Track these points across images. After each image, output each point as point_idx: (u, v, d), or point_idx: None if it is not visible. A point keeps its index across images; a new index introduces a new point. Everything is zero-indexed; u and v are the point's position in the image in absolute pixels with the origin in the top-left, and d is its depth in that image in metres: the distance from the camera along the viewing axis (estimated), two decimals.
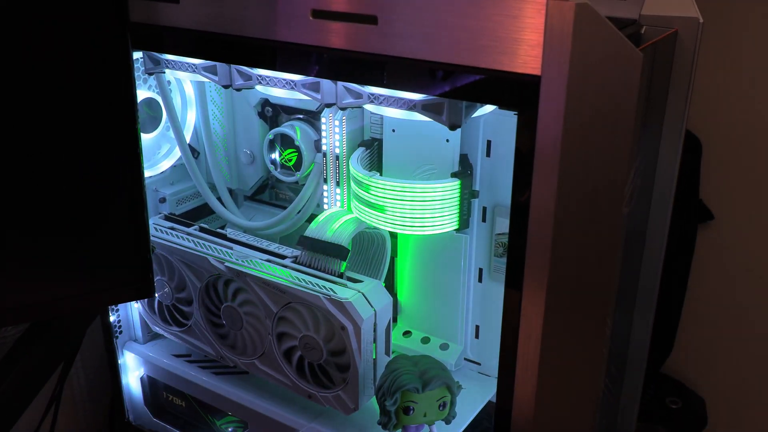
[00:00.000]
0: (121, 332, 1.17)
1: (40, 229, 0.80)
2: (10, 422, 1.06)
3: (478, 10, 0.63)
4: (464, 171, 0.94)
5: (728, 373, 1.53)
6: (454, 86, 0.67)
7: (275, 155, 1.09)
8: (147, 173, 1.10)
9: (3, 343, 1.11)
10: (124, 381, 1.19)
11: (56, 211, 0.81)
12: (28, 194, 0.79)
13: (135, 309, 1.15)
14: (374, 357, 0.93)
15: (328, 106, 0.84)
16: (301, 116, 1.08)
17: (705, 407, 1.50)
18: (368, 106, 0.82)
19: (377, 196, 0.92)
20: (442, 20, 0.65)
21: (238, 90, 0.91)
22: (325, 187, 1.03)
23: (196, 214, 1.20)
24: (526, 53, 0.62)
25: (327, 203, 1.04)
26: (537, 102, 0.62)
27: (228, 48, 0.82)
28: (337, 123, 0.98)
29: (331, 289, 0.91)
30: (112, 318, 1.15)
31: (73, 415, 1.27)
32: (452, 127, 0.76)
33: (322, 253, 0.96)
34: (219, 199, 1.15)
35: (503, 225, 0.97)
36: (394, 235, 1.06)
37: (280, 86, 0.86)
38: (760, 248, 1.43)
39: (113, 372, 1.19)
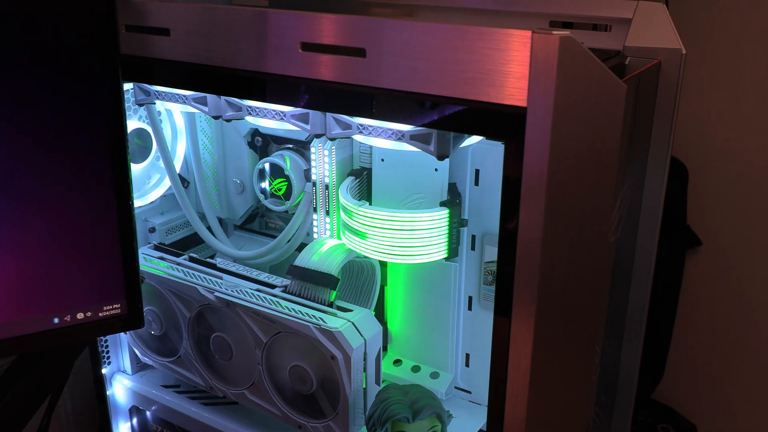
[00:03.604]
0: (109, 363, 1.16)
1: (28, 260, 0.80)
2: None
3: (465, 43, 0.64)
4: (453, 200, 0.95)
5: (719, 398, 1.53)
6: (441, 117, 0.68)
7: (265, 184, 1.10)
8: (137, 203, 1.10)
9: None
10: (112, 412, 1.18)
11: (45, 241, 0.81)
12: (17, 225, 0.79)
13: (124, 339, 1.15)
14: (364, 386, 0.93)
15: (318, 136, 0.84)
16: (290, 146, 1.09)
17: None
18: (357, 137, 0.83)
19: (366, 225, 0.92)
20: (430, 53, 0.66)
21: (228, 121, 0.91)
22: (314, 216, 1.03)
23: (186, 244, 1.20)
24: (512, 85, 0.63)
25: (317, 232, 1.04)
26: (523, 132, 0.63)
27: (218, 80, 0.83)
28: (326, 153, 0.99)
29: (320, 318, 0.91)
30: (100, 348, 1.14)
31: None
32: (440, 158, 0.77)
33: (312, 283, 0.96)
34: (209, 228, 1.15)
35: (492, 253, 0.97)
36: (383, 264, 1.06)
37: (269, 117, 0.87)
38: (747, 273, 1.44)
39: (101, 403, 1.18)
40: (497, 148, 0.89)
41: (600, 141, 0.71)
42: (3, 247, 0.79)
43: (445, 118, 0.68)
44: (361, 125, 0.80)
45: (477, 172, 0.96)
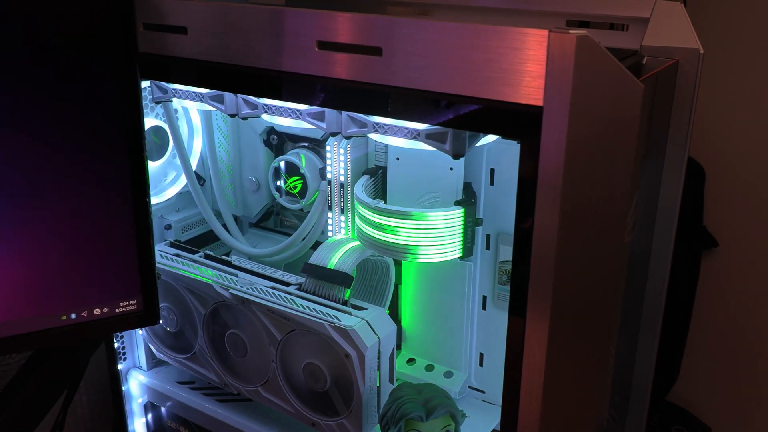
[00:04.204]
0: (125, 359, 1.17)
1: (45, 256, 0.81)
2: None
3: (481, 42, 0.64)
4: (468, 199, 0.94)
5: (734, 400, 1.52)
6: (457, 116, 0.68)
7: (280, 183, 1.10)
8: (153, 200, 1.10)
9: (7, 371, 1.11)
10: (127, 408, 1.19)
11: (62, 237, 0.81)
12: (34, 221, 0.80)
13: (139, 335, 1.15)
14: (378, 385, 0.93)
15: (333, 134, 0.85)
16: (306, 144, 1.09)
17: None
18: (373, 135, 0.83)
19: (381, 224, 0.92)
20: (446, 52, 0.66)
21: (245, 119, 0.92)
22: (329, 214, 1.03)
23: (202, 241, 1.20)
24: (528, 84, 0.63)
25: (331, 231, 1.04)
26: (539, 132, 0.63)
27: (235, 78, 0.83)
28: (341, 151, 0.99)
29: (335, 316, 0.91)
30: (116, 344, 1.15)
31: None
32: (456, 157, 0.77)
33: (327, 281, 0.96)
34: (224, 226, 1.16)
35: (507, 253, 0.97)
36: (398, 263, 1.06)
37: (285, 115, 0.88)
38: (764, 275, 1.42)
39: (117, 399, 1.19)
40: (512, 148, 0.89)
41: (617, 141, 0.70)
42: (20, 244, 0.79)
43: (460, 117, 0.68)
44: (377, 124, 0.81)
45: (492, 171, 0.95)
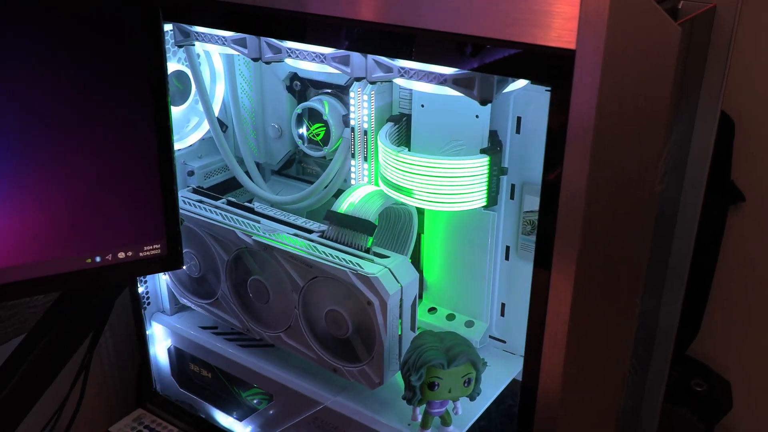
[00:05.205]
0: (149, 303, 1.18)
1: (72, 200, 0.81)
2: (39, 391, 1.08)
3: None
4: (494, 147, 0.93)
5: (754, 356, 1.51)
6: (485, 60, 0.66)
7: (303, 130, 1.09)
8: (176, 146, 1.10)
9: (33, 313, 1.12)
10: (151, 352, 1.20)
11: (88, 181, 0.81)
12: (61, 165, 0.79)
13: (163, 281, 1.16)
14: (400, 333, 0.94)
15: (358, 79, 0.83)
16: (329, 91, 1.07)
17: (730, 390, 1.49)
18: (398, 80, 0.81)
19: (405, 171, 0.91)
20: None
21: (268, 63, 0.90)
22: (352, 162, 1.02)
23: (224, 188, 1.20)
24: (560, 26, 0.61)
25: (354, 178, 1.03)
26: (571, 77, 0.61)
27: (258, 20, 0.82)
28: (365, 98, 0.97)
29: (357, 264, 0.91)
30: (140, 289, 1.16)
31: (102, 384, 1.29)
32: (483, 102, 0.75)
33: (349, 228, 0.96)
34: (247, 172, 1.15)
35: (532, 203, 0.96)
36: (421, 211, 1.05)
37: (309, 59, 0.86)
38: None
39: (141, 343, 1.21)
40: (540, 95, 0.87)
41: (651, 88, 0.68)
42: (48, 188, 0.80)
43: (489, 60, 0.66)
44: (403, 68, 0.79)
45: (519, 119, 0.94)
